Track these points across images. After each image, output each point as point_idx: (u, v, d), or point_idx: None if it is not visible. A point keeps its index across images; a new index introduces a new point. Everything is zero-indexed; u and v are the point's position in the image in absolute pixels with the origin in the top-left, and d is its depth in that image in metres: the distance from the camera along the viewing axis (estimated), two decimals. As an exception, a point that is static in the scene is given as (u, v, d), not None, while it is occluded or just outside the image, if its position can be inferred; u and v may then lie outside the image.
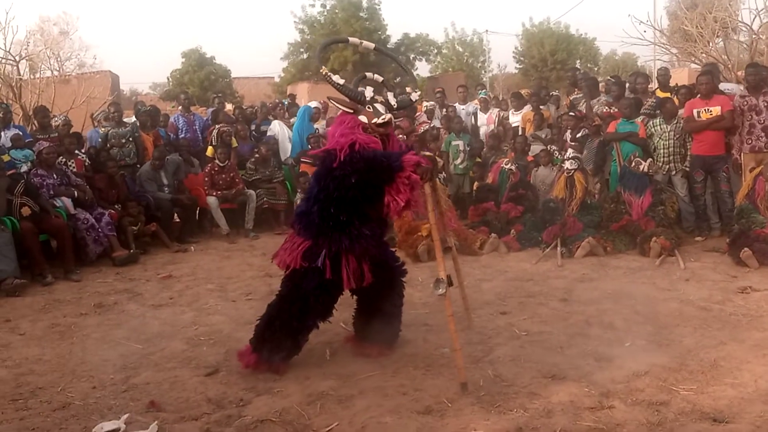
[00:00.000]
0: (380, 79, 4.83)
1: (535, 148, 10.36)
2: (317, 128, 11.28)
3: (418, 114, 12.47)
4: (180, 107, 11.94)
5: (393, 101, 4.54)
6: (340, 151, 4.18)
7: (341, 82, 4.45)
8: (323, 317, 4.56)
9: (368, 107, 4.43)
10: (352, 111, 4.40)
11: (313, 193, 4.39)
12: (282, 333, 4.40)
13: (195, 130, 11.22)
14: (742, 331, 5.01)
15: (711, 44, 17.58)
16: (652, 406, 3.78)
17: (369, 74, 4.88)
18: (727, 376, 4.15)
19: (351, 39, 4.89)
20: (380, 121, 4.40)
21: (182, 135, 11.01)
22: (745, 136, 8.20)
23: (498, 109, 12.28)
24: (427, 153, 8.65)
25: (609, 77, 11.71)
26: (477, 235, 8.29)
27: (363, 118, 4.37)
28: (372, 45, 5.00)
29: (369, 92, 4.51)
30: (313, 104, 12.30)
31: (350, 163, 4.17)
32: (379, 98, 4.51)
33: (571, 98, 11.23)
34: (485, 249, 8.14)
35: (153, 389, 4.29)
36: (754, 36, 16.34)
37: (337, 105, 4.45)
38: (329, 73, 4.40)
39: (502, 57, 57.29)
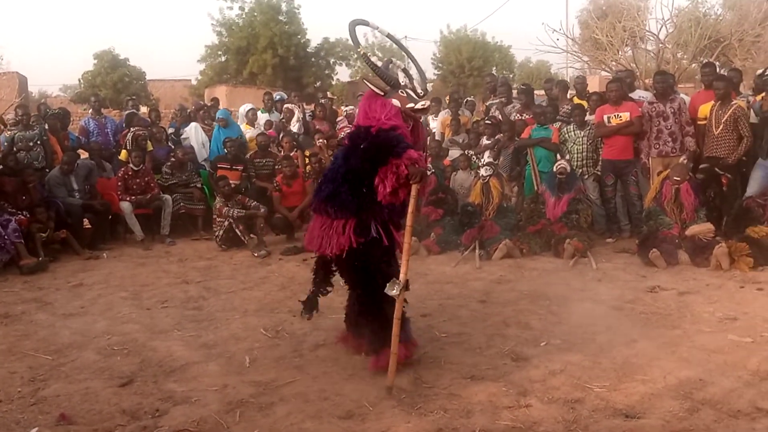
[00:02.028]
0: (402, 66, 4.78)
1: (454, 153, 10.51)
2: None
3: (339, 118, 12.48)
4: (91, 110, 11.56)
5: (419, 89, 4.51)
6: (378, 128, 4.19)
7: (378, 64, 4.44)
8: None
9: (401, 92, 4.41)
10: (382, 94, 4.37)
11: (339, 173, 4.34)
12: (389, 312, 4.25)
13: (107, 134, 10.87)
14: (652, 329, 5.21)
15: (620, 52, 18.29)
16: (568, 404, 3.88)
17: (394, 59, 4.81)
18: (638, 373, 4.30)
19: (371, 23, 4.80)
20: (419, 106, 4.40)
21: (93, 138, 10.65)
22: (653, 141, 8.54)
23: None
24: None
25: (521, 85, 12.01)
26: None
27: (396, 102, 4.35)
28: (386, 31, 4.92)
29: (401, 77, 4.49)
30: (249, 107, 12.17)
31: (371, 138, 4.20)
32: (409, 85, 4.48)
33: (486, 104, 11.44)
34: (406, 252, 8.17)
35: (63, 401, 4.12)
36: (660, 45, 17.09)
37: (371, 86, 4.42)
38: (367, 54, 4.37)
39: (421, 63, 57.56)
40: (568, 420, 3.68)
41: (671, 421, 3.63)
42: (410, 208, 4.19)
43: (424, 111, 4.55)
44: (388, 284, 4.13)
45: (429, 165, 4.62)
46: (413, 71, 4.64)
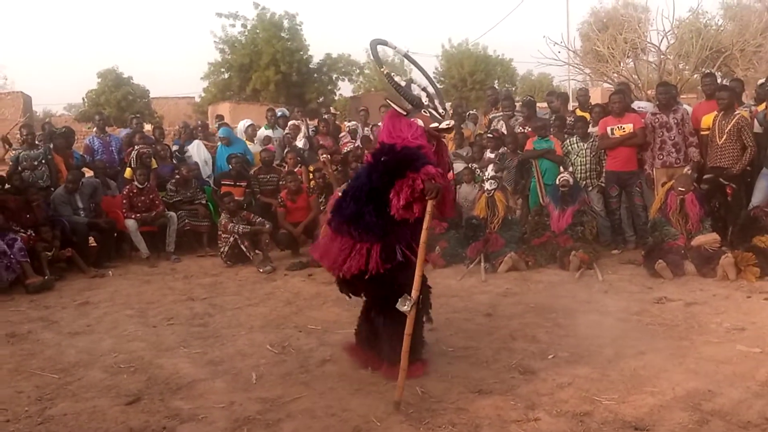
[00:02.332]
0: (423, 85, 4.79)
1: (458, 167, 10.52)
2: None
3: (342, 134, 12.51)
4: (95, 128, 11.61)
5: (441, 109, 4.52)
6: (403, 145, 4.19)
7: (402, 83, 4.47)
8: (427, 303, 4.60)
9: (424, 112, 4.42)
10: (405, 113, 4.38)
11: (363, 191, 4.30)
12: (397, 331, 4.22)
13: (111, 152, 10.89)
14: (659, 340, 5.19)
15: (622, 64, 18.32)
16: (576, 417, 3.86)
17: (415, 78, 4.83)
18: (647, 385, 4.28)
19: (389, 42, 4.81)
20: (443, 126, 4.42)
21: (98, 157, 10.69)
22: (656, 152, 8.55)
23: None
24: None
25: (524, 97, 12.03)
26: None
27: (419, 122, 4.36)
28: (404, 50, 4.94)
29: (424, 97, 4.50)
30: (248, 122, 12.22)
31: (392, 154, 4.20)
32: (431, 104, 4.50)
33: (489, 117, 11.46)
34: (411, 266, 8.16)
35: (71, 420, 4.11)
36: (662, 56, 17.12)
37: (394, 106, 4.42)
38: (391, 74, 4.38)
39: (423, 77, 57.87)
40: (577, 433, 3.66)
41: (681, 433, 3.61)
42: (425, 224, 4.13)
43: (448, 131, 4.57)
44: (399, 300, 4.11)
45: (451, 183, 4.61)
46: (430, 90, 4.66)
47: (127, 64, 70.26)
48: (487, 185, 8.99)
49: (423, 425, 3.83)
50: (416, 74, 4.96)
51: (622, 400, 4.07)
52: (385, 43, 4.63)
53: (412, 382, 4.44)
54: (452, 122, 4.55)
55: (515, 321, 5.85)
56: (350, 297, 4.79)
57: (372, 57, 4.62)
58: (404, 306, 4.09)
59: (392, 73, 4.40)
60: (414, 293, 4.13)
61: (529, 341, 5.30)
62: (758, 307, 5.99)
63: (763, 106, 8.47)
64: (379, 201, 4.21)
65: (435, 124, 4.40)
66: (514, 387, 4.34)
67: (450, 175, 10.30)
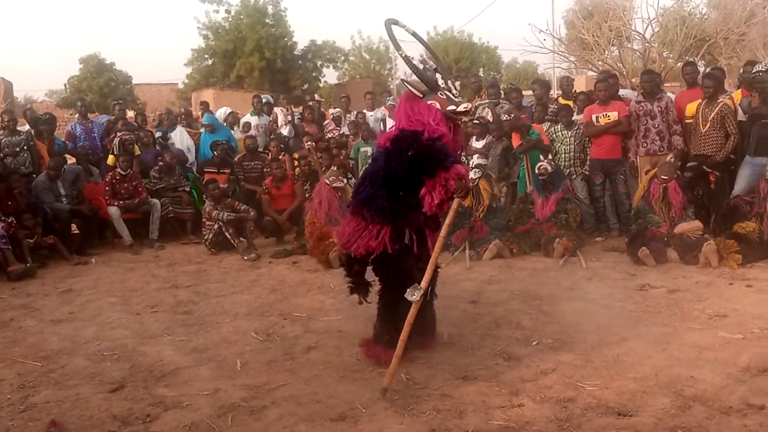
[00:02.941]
0: (434, 66, 4.79)
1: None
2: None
3: (326, 121, 12.46)
4: (77, 115, 11.49)
5: (455, 91, 4.53)
6: (425, 132, 4.23)
7: (420, 66, 4.47)
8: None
9: (441, 94, 4.43)
10: (421, 96, 4.40)
11: (379, 176, 4.41)
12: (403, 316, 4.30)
13: (93, 138, 10.77)
14: (643, 327, 5.22)
15: (607, 52, 18.38)
16: (560, 403, 3.88)
17: (431, 62, 4.82)
18: (630, 371, 4.31)
19: (400, 22, 4.81)
20: (461, 109, 4.42)
21: (80, 143, 10.58)
22: (640, 139, 8.59)
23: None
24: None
25: (510, 84, 12.01)
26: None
27: (436, 104, 4.36)
28: (412, 30, 4.97)
29: (440, 79, 4.50)
30: (227, 110, 12.13)
31: (418, 146, 4.24)
32: (446, 86, 4.51)
33: (474, 105, 11.43)
34: (396, 254, 8.17)
35: (54, 408, 4.08)
36: (646, 44, 17.18)
37: (410, 88, 4.47)
38: (408, 56, 4.39)
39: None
40: (560, 419, 3.68)
41: (663, 419, 3.64)
42: (447, 220, 4.26)
43: (466, 113, 4.58)
44: (408, 289, 4.18)
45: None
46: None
47: (110, 50, 69.64)
48: (472, 174, 8.94)
49: (408, 411, 3.84)
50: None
51: (605, 386, 4.10)
52: (396, 22, 4.66)
53: (399, 368, 4.45)
54: (469, 105, 4.56)
55: (500, 308, 5.87)
56: (352, 285, 4.89)
57: (390, 39, 4.63)
58: (413, 296, 4.14)
59: (409, 58, 4.41)
60: (424, 283, 4.19)
61: (513, 328, 5.32)
62: (740, 294, 6.05)
63: (739, 93, 8.51)
64: (393, 186, 4.35)
65: (452, 107, 4.42)
66: (499, 373, 4.36)
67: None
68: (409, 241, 4.38)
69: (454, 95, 4.47)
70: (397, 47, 4.51)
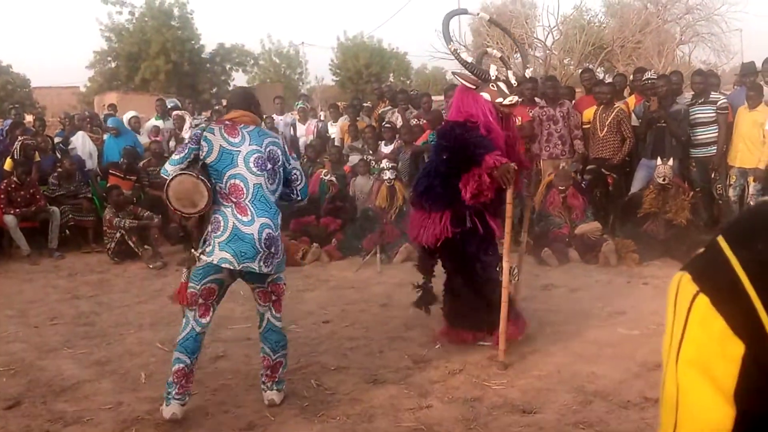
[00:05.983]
0: (499, 55, 4.74)
1: (353, 158, 10.51)
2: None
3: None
4: (-31, 119, 10.92)
5: (513, 80, 4.53)
6: (472, 124, 4.35)
7: (469, 60, 4.51)
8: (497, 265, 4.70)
9: (492, 86, 4.44)
10: (474, 88, 4.42)
11: (432, 167, 4.61)
12: (477, 299, 4.57)
13: (-5, 142, 10.26)
14: (546, 325, 5.37)
15: (511, 59, 18.82)
16: (467, 402, 3.95)
17: (489, 50, 4.76)
18: (534, 369, 4.44)
19: (469, 11, 4.75)
20: (507, 102, 4.45)
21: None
22: (543, 144, 8.84)
23: (316, 120, 12.37)
24: None
25: (410, 91, 12.20)
26: (299, 246, 8.26)
27: (486, 96, 4.39)
28: (487, 16, 4.90)
29: (493, 71, 4.49)
30: (131, 114, 11.79)
31: (453, 139, 4.40)
32: (502, 77, 4.50)
33: (379, 111, 11.51)
34: (307, 259, 8.12)
35: (-58, 430, 3.87)
36: (548, 51, 17.74)
37: (462, 81, 4.51)
38: (457, 50, 4.43)
39: (319, 69, 57.88)
40: (468, 418, 3.75)
41: (566, 414, 3.76)
42: (508, 199, 4.38)
43: (513, 106, 4.64)
44: (510, 271, 4.43)
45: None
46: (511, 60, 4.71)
47: (6, 52, 66.46)
48: (388, 174, 8.99)
49: (317, 417, 3.83)
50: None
51: (510, 384, 4.20)
52: (465, 11, 4.69)
53: (307, 375, 4.44)
54: (515, 98, 4.60)
55: (410, 311, 5.91)
56: (426, 279, 5.30)
57: (442, 33, 4.72)
58: (515, 279, 4.51)
59: (458, 51, 4.51)
60: (513, 263, 4.50)
61: (422, 330, 5.37)
62: (637, 292, 6.31)
63: (633, 99, 8.91)
64: (446, 175, 4.51)
65: (500, 99, 4.47)
66: (408, 376, 4.41)
67: (346, 167, 10.30)
68: (471, 224, 4.50)
69: (512, 84, 4.54)
70: (447, 41, 4.60)
